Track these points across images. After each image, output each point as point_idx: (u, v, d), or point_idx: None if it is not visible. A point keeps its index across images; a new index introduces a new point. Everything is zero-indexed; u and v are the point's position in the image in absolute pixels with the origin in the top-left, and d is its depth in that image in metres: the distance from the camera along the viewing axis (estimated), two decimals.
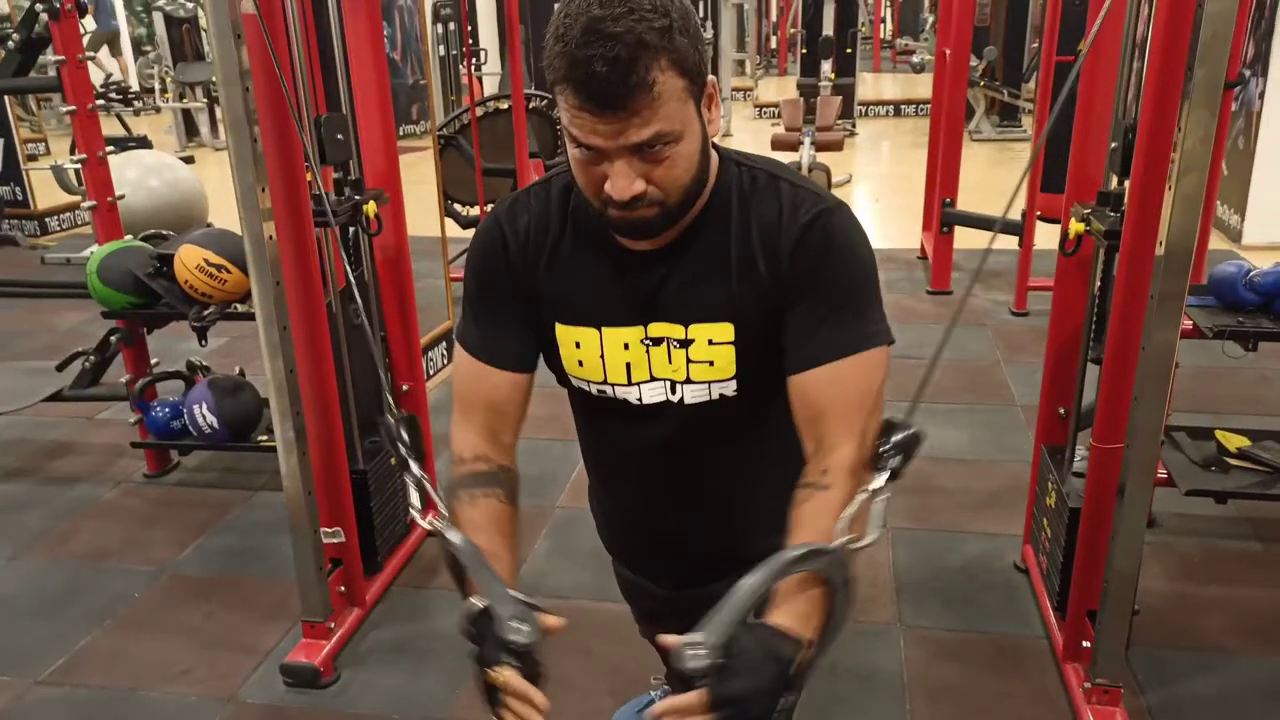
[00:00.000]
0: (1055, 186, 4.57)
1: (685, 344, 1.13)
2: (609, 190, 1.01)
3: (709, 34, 9.19)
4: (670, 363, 1.15)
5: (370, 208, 2.37)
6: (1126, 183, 2.00)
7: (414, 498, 1.14)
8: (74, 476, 3.31)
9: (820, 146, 6.54)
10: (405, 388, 2.69)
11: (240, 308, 2.83)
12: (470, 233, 5.35)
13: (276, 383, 2.05)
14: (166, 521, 3.00)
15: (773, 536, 1.33)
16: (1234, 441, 2.77)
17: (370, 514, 2.47)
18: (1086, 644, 2.07)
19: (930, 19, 14.05)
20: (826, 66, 9.72)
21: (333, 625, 2.30)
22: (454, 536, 1.07)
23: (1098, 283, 2.23)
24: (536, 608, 1.02)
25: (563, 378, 1.23)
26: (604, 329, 1.15)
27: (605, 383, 1.18)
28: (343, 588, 2.37)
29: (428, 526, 1.11)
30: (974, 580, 2.59)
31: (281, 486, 3.11)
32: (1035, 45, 9.60)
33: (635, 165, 0.99)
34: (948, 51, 4.94)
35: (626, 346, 1.15)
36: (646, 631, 1.85)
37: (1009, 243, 4.67)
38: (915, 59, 11.95)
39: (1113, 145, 2.13)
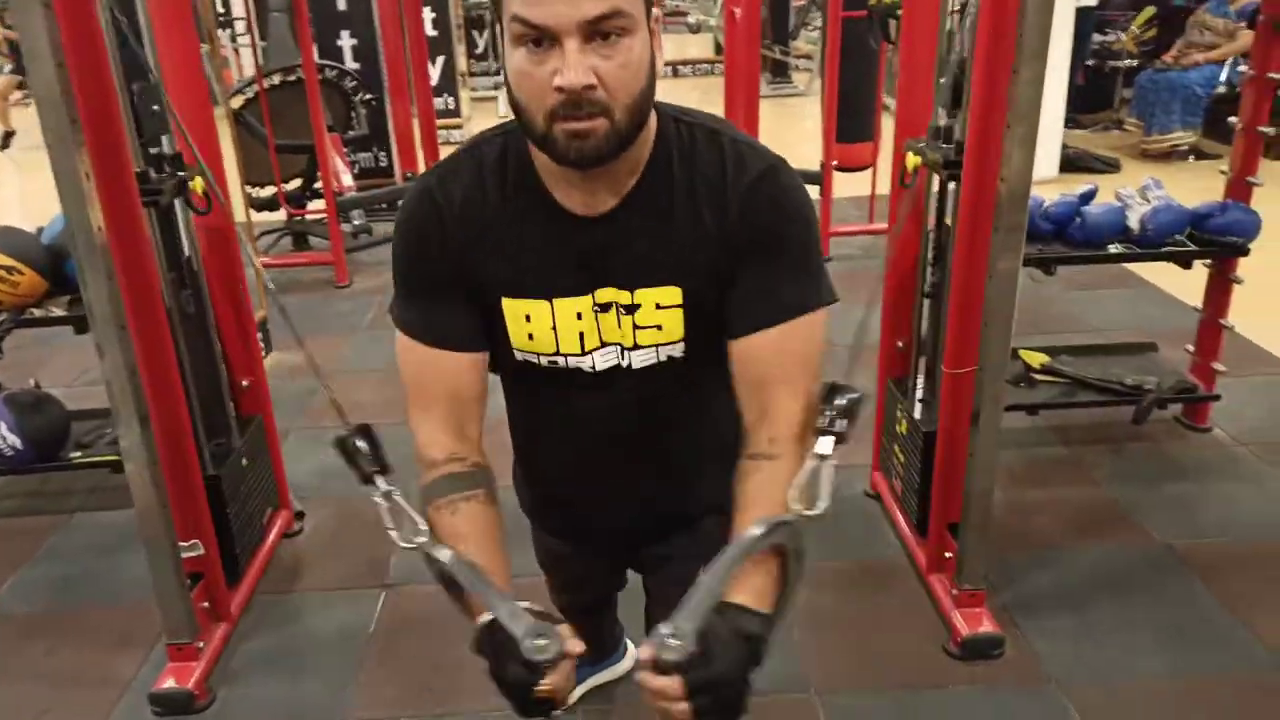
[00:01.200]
0: (847, 137, 4.88)
1: (631, 309, 1.12)
2: (559, 81, 0.94)
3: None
4: (619, 327, 1.13)
5: (197, 183, 2.16)
6: (957, 114, 2.15)
7: (386, 518, 1.04)
8: None
9: None
10: (245, 383, 2.51)
11: (37, 312, 2.54)
12: (269, 216, 5.03)
13: (119, 388, 1.84)
14: None
15: (717, 487, 1.36)
16: (1036, 359, 3.09)
17: (227, 521, 2.30)
18: (949, 555, 2.26)
19: None
20: None
21: (201, 645, 2.13)
22: (443, 554, 1.00)
23: (931, 218, 2.37)
24: (549, 616, 0.98)
25: (505, 352, 1.18)
26: (555, 300, 1.12)
27: (557, 353, 1.15)
28: (206, 603, 2.19)
29: (406, 544, 1.03)
30: (831, 511, 2.75)
31: (100, 506, 2.88)
32: (800, 4, 10.10)
33: (586, 54, 0.95)
34: (737, 11, 5.08)
35: (580, 316, 1.12)
36: (559, 600, 1.85)
37: (809, 193, 4.90)
38: (690, 20, 12.24)
39: (941, 80, 2.28)
